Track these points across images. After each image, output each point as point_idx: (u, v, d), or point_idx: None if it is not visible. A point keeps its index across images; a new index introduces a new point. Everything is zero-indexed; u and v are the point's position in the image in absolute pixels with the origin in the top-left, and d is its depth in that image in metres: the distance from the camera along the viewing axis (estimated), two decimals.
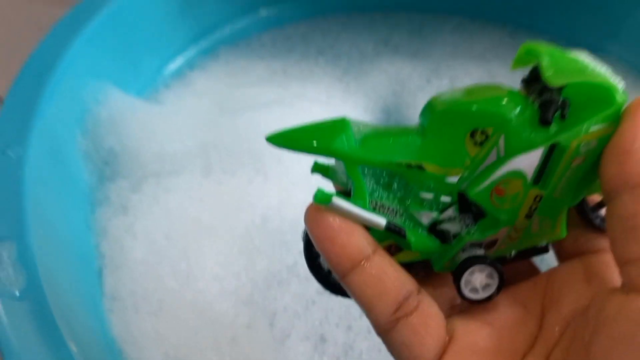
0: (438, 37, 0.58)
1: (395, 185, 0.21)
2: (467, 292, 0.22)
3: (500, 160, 0.20)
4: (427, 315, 0.21)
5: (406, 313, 0.21)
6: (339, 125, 0.20)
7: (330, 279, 0.23)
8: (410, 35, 0.58)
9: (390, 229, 0.20)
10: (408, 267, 0.22)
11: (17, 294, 0.30)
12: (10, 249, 0.32)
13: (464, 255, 0.22)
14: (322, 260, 0.22)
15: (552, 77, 0.19)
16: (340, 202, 0.20)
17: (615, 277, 0.21)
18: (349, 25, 0.59)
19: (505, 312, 0.23)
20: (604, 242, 0.23)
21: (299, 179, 0.44)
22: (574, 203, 0.22)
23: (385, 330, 0.21)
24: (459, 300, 0.24)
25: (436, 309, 0.22)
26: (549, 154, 0.20)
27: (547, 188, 0.20)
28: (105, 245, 0.41)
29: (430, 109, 0.21)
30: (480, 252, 0.22)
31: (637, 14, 0.52)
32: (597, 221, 0.23)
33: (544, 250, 0.23)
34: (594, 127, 0.19)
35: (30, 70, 0.40)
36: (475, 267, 0.21)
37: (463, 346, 0.22)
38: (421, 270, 0.23)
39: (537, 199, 0.21)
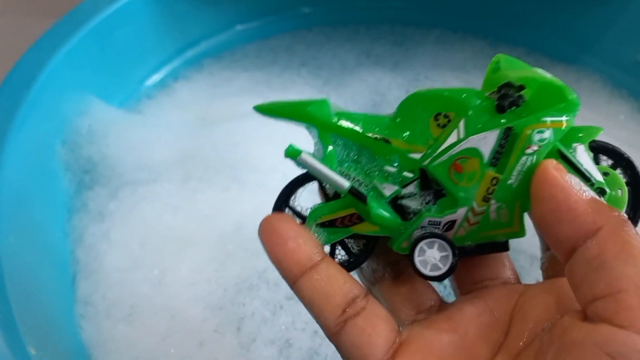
0: (419, 49, 0.59)
1: (363, 161, 0.23)
2: (421, 267, 0.23)
3: (460, 140, 0.22)
4: (375, 316, 0.22)
5: (353, 314, 0.22)
6: (319, 101, 0.22)
7: None
8: (392, 47, 0.59)
9: (352, 192, 0.22)
10: (375, 270, 0.24)
11: None
12: None
13: (421, 232, 0.23)
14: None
15: (509, 72, 0.22)
16: (309, 157, 0.22)
17: None
18: (332, 37, 0.60)
19: (472, 317, 0.23)
20: None
21: (273, 187, 0.45)
22: (529, 207, 0.22)
23: (334, 334, 0.22)
24: (425, 307, 0.24)
25: (384, 311, 0.23)
26: (504, 137, 0.21)
27: (503, 172, 0.22)
28: (80, 252, 0.42)
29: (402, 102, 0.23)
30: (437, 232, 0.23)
31: (612, 27, 0.53)
32: None
33: (504, 247, 0.24)
34: (546, 118, 0.21)
35: (12, 81, 0.42)
36: (430, 241, 0.23)
37: (417, 348, 0.22)
38: (388, 274, 0.24)
39: (494, 182, 0.22)
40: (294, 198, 0.24)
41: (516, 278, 0.25)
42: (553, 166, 0.21)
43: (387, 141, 0.22)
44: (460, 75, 0.55)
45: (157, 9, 0.51)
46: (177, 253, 0.42)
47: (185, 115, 0.50)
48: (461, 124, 0.22)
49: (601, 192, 0.22)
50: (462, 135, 0.22)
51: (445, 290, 0.40)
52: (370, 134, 0.22)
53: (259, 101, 0.55)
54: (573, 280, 0.19)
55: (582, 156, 0.22)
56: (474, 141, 0.21)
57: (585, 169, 0.22)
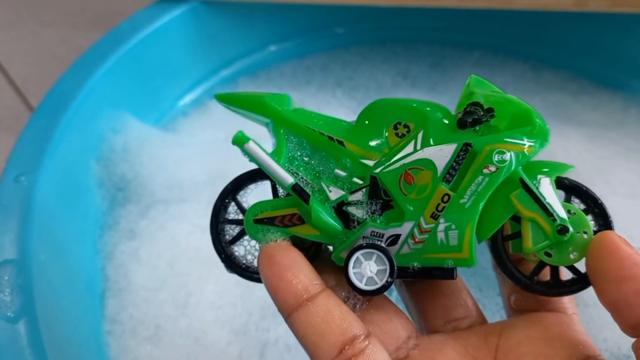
0: (458, 70, 0.57)
1: (314, 162, 0.22)
2: (355, 280, 0.21)
3: (416, 150, 0.21)
4: None
5: (350, 357, 0.20)
6: (279, 94, 0.22)
7: (228, 253, 0.24)
8: (429, 68, 0.58)
9: (295, 189, 0.21)
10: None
11: (12, 315, 0.32)
12: (10, 271, 0.34)
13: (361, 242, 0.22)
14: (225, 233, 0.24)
15: (480, 94, 0.21)
16: (255, 147, 0.22)
17: (579, 338, 0.21)
18: (369, 57, 0.60)
19: None
20: (551, 301, 0.23)
21: None
22: (485, 236, 0.21)
23: None
24: (402, 339, 0.23)
25: (385, 356, 0.21)
26: (462, 153, 0.21)
27: (457, 190, 0.21)
28: (110, 269, 0.42)
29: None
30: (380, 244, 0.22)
31: None
32: (535, 285, 0.22)
33: (450, 274, 0.22)
34: (510, 139, 0.20)
35: (52, 99, 0.43)
36: (367, 252, 0.21)
37: None
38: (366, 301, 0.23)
39: (445, 199, 0.21)
40: (244, 193, 0.24)
41: (478, 311, 0.24)
42: (622, 241, 0.20)
43: (341, 143, 0.22)
44: None
45: (193, 29, 0.51)
46: (204, 275, 0.42)
47: (217, 134, 0.50)
48: (419, 135, 0.21)
49: (563, 230, 0.21)
50: (418, 147, 0.21)
51: None
52: (325, 132, 0.22)
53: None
54: None
55: (546, 189, 0.21)
56: (429, 152, 0.21)
57: (547, 203, 0.21)
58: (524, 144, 0.20)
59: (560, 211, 0.21)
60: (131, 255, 0.43)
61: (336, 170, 0.22)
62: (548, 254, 0.21)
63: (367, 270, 0.21)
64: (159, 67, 0.51)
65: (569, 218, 0.21)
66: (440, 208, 0.21)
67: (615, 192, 0.46)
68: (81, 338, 0.38)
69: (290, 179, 0.21)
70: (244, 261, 0.24)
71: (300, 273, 0.21)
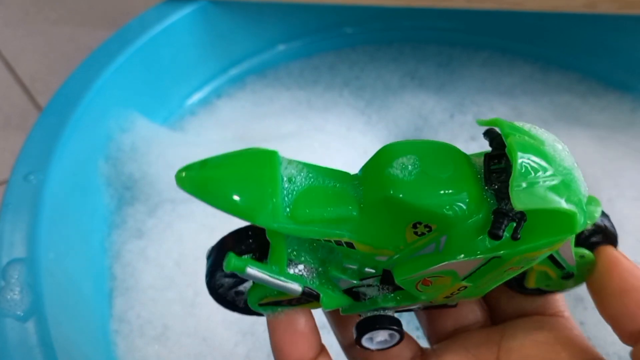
0: (466, 71, 0.57)
1: (319, 252, 0.20)
2: (368, 344, 0.21)
3: (438, 257, 0.18)
4: None
5: None
6: (267, 180, 0.18)
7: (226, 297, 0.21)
8: (437, 68, 0.58)
9: (305, 293, 0.19)
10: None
11: (21, 314, 0.32)
12: (20, 270, 0.34)
13: (371, 313, 0.21)
14: (220, 279, 0.20)
15: (518, 198, 0.17)
16: (254, 271, 0.18)
17: (581, 342, 0.21)
18: (376, 57, 0.59)
19: None
20: (548, 304, 0.23)
21: None
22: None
23: None
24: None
25: None
26: (487, 261, 0.18)
27: (474, 282, 0.19)
28: (118, 268, 0.42)
29: (376, 175, 0.18)
30: (389, 311, 0.21)
31: None
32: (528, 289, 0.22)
33: (453, 306, 0.22)
34: (544, 248, 0.18)
35: (60, 99, 0.43)
36: (377, 331, 0.21)
37: None
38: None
39: (461, 289, 0.20)
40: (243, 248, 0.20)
41: (485, 315, 0.24)
42: (622, 255, 0.20)
43: (351, 245, 0.19)
44: (507, 101, 0.53)
45: (202, 28, 0.51)
46: None
47: (225, 133, 0.50)
48: (443, 239, 0.18)
49: (569, 276, 0.21)
50: (441, 249, 0.18)
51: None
52: (332, 237, 0.18)
53: (300, 121, 0.55)
54: None
55: (565, 246, 0.20)
56: (453, 264, 0.18)
57: (562, 258, 0.20)
58: (559, 242, 0.18)
59: (571, 262, 0.20)
60: (139, 254, 0.43)
61: (346, 264, 0.20)
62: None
63: (378, 337, 0.21)
64: (168, 66, 0.51)
65: (577, 262, 0.20)
66: (455, 293, 0.20)
67: (623, 194, 0.46)
68: (89, 337, 0.38)
69: (298, 289, 0.19)
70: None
71: (297, 343, 0.20)
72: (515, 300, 0.23)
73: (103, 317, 0.40)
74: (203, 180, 0.17)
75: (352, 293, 0.21)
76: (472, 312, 0.24)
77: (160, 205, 0.45)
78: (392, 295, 0.21)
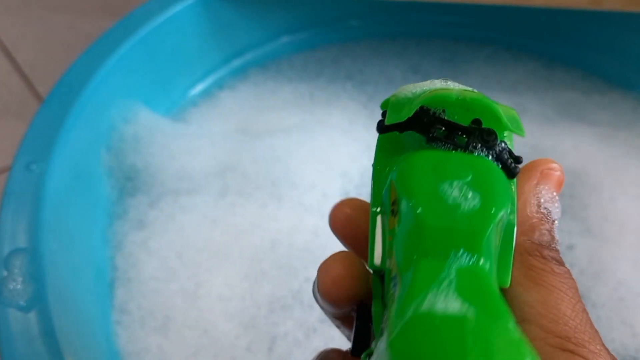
0: (470, 66, 0.57)
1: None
2: None
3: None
4: None
5: None
6: None
7: None
8: (441, 63, 0.58)
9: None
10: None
11: (24, 304, 0.32)
12: (22, 260, 0.33)
13: None
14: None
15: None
16: None
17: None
18: (380, 51, 0.59)
19: None
20: None
21: (311, 206, 0.45)
22: None
23: None
24: None
25: None
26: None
27: None
28: (119, 259, 0.42)
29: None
30: None
31: None
32: None
33: None
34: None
35: (62, 89, 0.43)
36: None
37: None
38: None
39: None
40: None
41: None
42: None
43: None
44: (511, 97, 0.53)
45: (205, 19, 0.51)
46: (213, 267, 0.42)
47: (227, 125, 0.50)
48: None
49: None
50: None
51: None
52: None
53: (302, 115, 0.55)
54: None
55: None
56: None
57: None
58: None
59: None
60: (140, 246, 0.43)
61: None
62: None
63: None
64: (170, 56, 0.50)
65: None
66: None
67: (626, 192, 0.46)
68: (91, 327, 0.38)
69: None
70: None
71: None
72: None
73: (105, 307, 0.40)
74: None
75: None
76: None
77: (162, 196, 0.45)
78: None
